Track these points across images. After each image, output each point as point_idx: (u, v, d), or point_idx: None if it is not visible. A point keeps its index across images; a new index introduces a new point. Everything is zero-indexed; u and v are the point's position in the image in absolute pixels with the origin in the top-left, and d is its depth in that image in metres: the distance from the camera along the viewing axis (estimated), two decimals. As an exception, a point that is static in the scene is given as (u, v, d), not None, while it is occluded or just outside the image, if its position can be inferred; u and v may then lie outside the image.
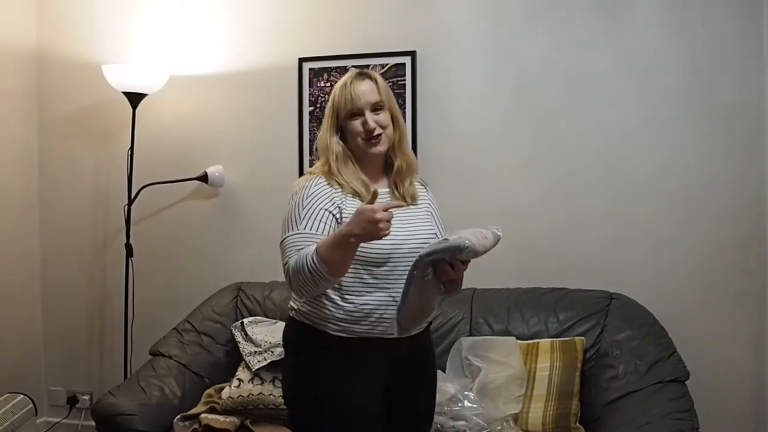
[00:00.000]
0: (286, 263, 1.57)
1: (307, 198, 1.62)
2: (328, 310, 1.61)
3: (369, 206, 1.44)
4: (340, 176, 1.65)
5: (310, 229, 1.58)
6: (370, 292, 1.60)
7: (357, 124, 1.65)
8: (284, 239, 1.61)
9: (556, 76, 2.68)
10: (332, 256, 1.47)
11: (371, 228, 1.43)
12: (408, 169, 1.73)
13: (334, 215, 1.61)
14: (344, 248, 1.47)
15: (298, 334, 1.69)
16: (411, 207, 1.72)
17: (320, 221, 1.59)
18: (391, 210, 1.47)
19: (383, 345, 1.63)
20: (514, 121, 2.72)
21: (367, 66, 2.83)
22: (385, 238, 1.46)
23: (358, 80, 1.67)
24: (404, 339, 1.64)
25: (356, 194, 1.64)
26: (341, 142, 1.67)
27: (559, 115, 2.68)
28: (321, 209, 1.60)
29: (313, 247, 1.51)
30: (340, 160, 1.66)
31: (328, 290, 1.59)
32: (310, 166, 2.94)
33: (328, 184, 1.64)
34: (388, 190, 1.72)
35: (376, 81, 1.68)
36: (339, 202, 1.62)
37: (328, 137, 1.67)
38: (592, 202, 2.67)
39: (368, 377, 1.64)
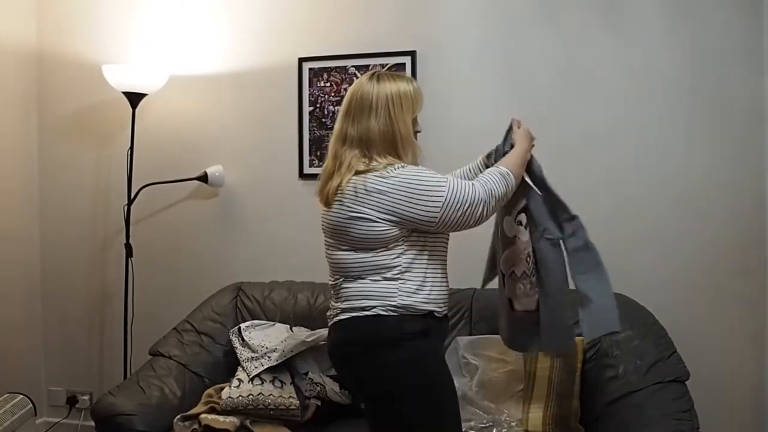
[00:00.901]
0: (473, 194, 1.70)
1: (423, 171, 1.72)
2: (438, 289, 1.78)
3: (528, 126, 1.89)
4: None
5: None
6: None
7: (416, 124, 1.84)
8: (450, 188, 1.70)
9: (556, 76, 2.68)
10: (518, 172, 1.83)
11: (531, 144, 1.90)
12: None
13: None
14: (525, 165, 1.87)
15: (395, 326, 1.74)
16: None
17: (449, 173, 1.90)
18: None
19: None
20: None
21: (367, 66, 2.84)
22: None
23: (418, 85, 1.85)
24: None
25: None
26: None
27: (559, 115, 2.68)
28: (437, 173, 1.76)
29: (502, 169, 1.78)
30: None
31: (435, 270, 1.78)
32: (310, 166, 2.95)
33: None
34: None
35: None
36: None
37: (409, 130, 1.79)
38: (592, 202, 2.65)
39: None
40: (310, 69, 2.94)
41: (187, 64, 3.08)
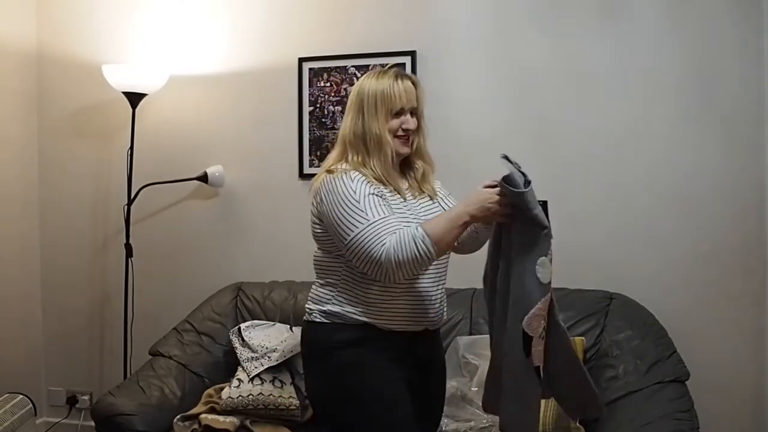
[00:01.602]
0: (374, 252, 1.57)
1: (353, 191, 1.64)
2: (389, 304, 1.69)
3: (490, 190, 1.58)
4: (375, 167, 1.70)
5: (378, 215, 1.61)
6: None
7: (397, 122, 1.71)
8: (359, 233, 1.59)
9: (556, 76, 2.68)
10: (444, 237, 1.58)
11: (488, 212, 1.58)
12: (432, 171, 1.85)
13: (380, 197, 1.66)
14: (458, 229, 1.59)
15: (325, 333, 1.73)
16: (432, 202, 1.83)
17: (379, 206, 1.63)
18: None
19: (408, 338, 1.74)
20: (513, 120, 2.72)
21: (367, 66, 2.84)
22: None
23: (407, 81, 1.74)
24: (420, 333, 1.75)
25: (380, 182, 1.70)
26: None
27: (558, 115, 2.68)
28: (371, 194, 1.64)
29: (416, 230, 1.56)
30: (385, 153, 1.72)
31: (387, 285, 1.66)
32: (310, 166, 2.95)
33: (355, 170, 1.70)
34: (407, 185, 1.80)
35: (416, 85, 1.76)
36: (374, 187, 1.67)
37: (382, 130, 1.70)
38: (593, 201, 2.66)
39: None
40: (310, 69, 2.94)
41: (187, 64, 3.08)
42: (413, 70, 2.78)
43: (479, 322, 2.53)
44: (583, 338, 2.38)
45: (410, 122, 1.72)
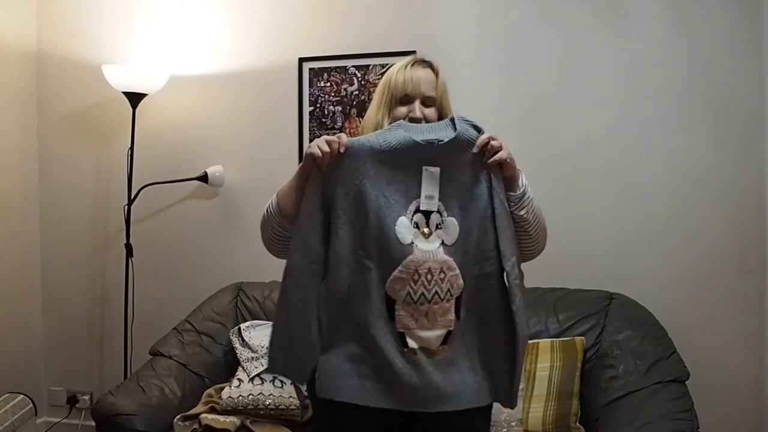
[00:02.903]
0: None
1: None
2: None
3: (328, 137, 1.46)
4: None
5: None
6: None
7: (404, 110, 1.59)
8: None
9: (557, 76, 2.68)
10: (285, 188, 1.53)
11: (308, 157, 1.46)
12: None
13: None
14: (295, 180, 1.52)
15: None
16: None
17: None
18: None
19: None
20: (513, 120, 2.72)
21: (368, 66, 2.84)
22: None
23: (420, 66, 1.62)
24: None
25: None
26: None
27: (558, 114, 2.68)
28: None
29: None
30: None
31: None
32: (310, 166, 2.95)
33: None
34: None
35: (437, 74, 1.63)
36: None
37: (381, 119, 1.59)
38: (593, 201, 2.67)
39: None
40: (310, 69, 2.94)
41: (187, 64, 3.08)
42: (413, 70, 2.78)
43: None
44: (583, 338, 2.38)
45: (416, 110, 1.57)
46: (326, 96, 2.92)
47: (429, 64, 1.65)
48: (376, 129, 1.58)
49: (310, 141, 2.94)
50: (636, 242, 2.62)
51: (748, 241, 2.53)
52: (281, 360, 1.53)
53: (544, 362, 2.32)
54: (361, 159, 1.47)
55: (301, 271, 1.49)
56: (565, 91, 2.68)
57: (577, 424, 2.25)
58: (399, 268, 1.45)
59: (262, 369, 2.46)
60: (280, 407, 2.38)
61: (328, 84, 2.92)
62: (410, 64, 1.62)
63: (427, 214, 1.47)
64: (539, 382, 2.30)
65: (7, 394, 2.52)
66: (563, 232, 2.67)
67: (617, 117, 2.63)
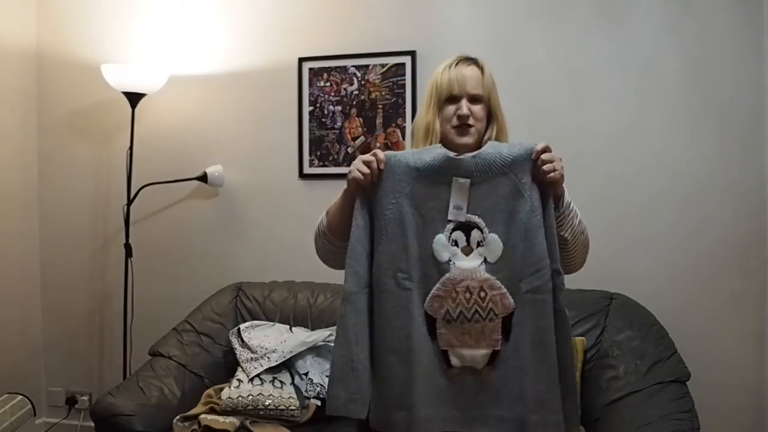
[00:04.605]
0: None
1: None
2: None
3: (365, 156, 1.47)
4: None
5: None
6: None
7: (452, 109, 1.56)
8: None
9: (558, 77, 2.68)
10: (333, 207, 1.55)
11: (349, 175, 1.46)
12: None
13: None
14: (341, 199, 1.52)
15: None
16: None
17: None
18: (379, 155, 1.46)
19: None
20: (513, 120, 2.68)
21: (367, 66, 2.84)
22: None
23: (465, 64, 1.60)
24: None
25: None
26: None
27: (558, 114, 2.68)
28: None
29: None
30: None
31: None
32: (310, 166, 2.95)
33: None
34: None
35: (482, 71, 1.60)
36: None
37: (432, 120, 1.57)
38: (593, 201, 2.65)
39: None
40: (310, 69, 2.94)
41: (187, 64, 3.08)
42: (413, 69, 2.78)
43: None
44: (583, 338, 2.37)
45: (464, 108, 1.54)
46: (326, 96, 2.92)
47: (474, 61, 1.62)
48: (427, 130, 1.57)
49: (310, 141, 2.95)
50: (636, 242, 2.62)
51: (748, 241, 2.53)
52: (343, 396, 1.45)
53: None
54: (398, 176, 1.46)
55: (357, 295, 1.47)
56: (566, 91, 2.68)
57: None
58: (437, 285, 1.44)
59: (261, 369, 2.46)
60: (280, 407, 2.37)
61: (328, 84, 2.92)
62: (455, 63, 1.60)
63: (467, 231, 1.45)
64: (539, 383, 2.29)
65: (6, 395, 2.52)
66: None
67: (618, 117, 2.63)
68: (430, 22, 2.81)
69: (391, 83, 2.82)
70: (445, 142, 1.56)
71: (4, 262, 3.16)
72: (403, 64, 2.79)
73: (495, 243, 1.45)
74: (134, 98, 2.92)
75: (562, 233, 1.51)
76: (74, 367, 3.30)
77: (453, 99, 1.57)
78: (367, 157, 1.46)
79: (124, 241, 3.05)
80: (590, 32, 2.65)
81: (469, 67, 1.60)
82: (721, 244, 2.54)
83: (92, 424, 2.35)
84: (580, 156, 2.66)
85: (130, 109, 2.96)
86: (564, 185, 1.51)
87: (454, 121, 1.56)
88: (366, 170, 1.44)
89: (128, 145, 3.01)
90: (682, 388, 2.13)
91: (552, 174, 1.45)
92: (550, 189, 1.47)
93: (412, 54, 2.79)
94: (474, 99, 1.57)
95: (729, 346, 2.53)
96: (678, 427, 1.92)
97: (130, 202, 3.02)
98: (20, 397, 2.52)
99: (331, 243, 1.57)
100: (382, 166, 1.45)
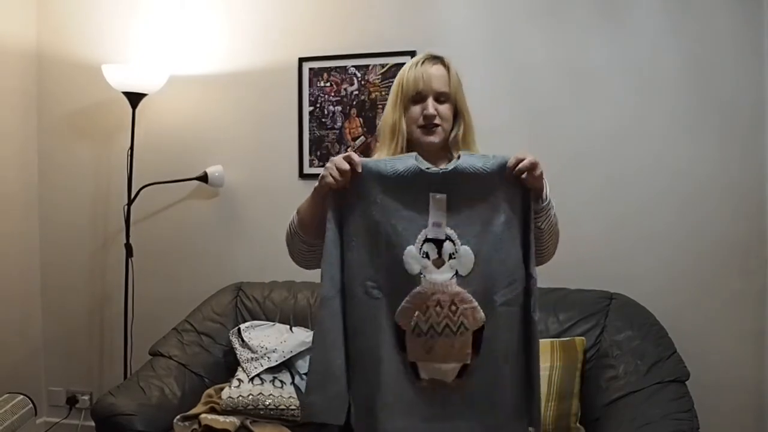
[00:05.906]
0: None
1: None
2: None
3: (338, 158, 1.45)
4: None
5: None
6: None
7: (418, 109, 1.56)
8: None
9: (558, 77, 2.68)
10: (305, 205, 1.53)
11: (322, 179, 1.45)
12: None
13: None
14: (313, 197, 1.50)
15: None
16: None
17: None
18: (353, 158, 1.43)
19: None
20: (513, 120, 2.72)
21: (367, 66, 2.84)
22: None
23: (430, 63, 1.58)
24: None
25: None
26: None
27: (558, 115, 2.68)
28: None
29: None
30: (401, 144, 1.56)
31: None
32: (310, 166, 2.95)
33: None
34: None
35: (448, 70, 1.59)
36: None
37: (398, 119, 1.56)
38: (593, 201, 2.66)
39: None
40: (310, 69, 2.94)
41: (187, 64, 3.08)
42: (413, 70, 2.78)
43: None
44: (583, 338, 2.38)
45: (429, 107, 1.53)
46: (326, 96, 2.92)
47: (440, 60, 1.61)
48: (393, 130, 1.56)
49: (310, 141, 2.95)
50: (636, 242, 2.62)
51: (748, 241, 2.53)
52: (319, 404, 1.44)
53: (544, 362, 2.32)
54: (370, 184, 1.44)
55: (333, 299, 1.45)
56: (566, 91, 2.67)
57: (578, 424, 2.25)
58: (407, 299, 1.41)
59: (261, 369, 2.46)
60: (280, 407, 2.37)
61: (328, 84, 2.92)
62: (421, 62, 1.59)
63: (438, 243, 1.41)
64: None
65: (7, 395, 2.52)
66: (564, 232, 2.67)
67: (618, 117, 2.63)
68: (430, 22, 2.81)
69: (391, 83, 2.80)
70: (411, 141, 1.56)
71: (4, 262, 3.16)
72: (403, 64, 2.78)
73: (467, 256, 1.41)
74: (134, 98, 2.92)
75: (539, 224, 1.49)
76: (75, 367, 3.30)
77: (419, 97, 1.56)
78: (342, 163, 1.43)
79: (125, 241, 3.05)
80: (590, 32, 2.65)
81: (434, 65, 1.58)
82: (721, 244, 2.54)
83: (93, 423, 2.35)
84: (580, 156, 2.67)
85: (130, 109, 2.96)
86: (545, 178, 1.48)
87: (421, 121, 1.55)
88: (339, 177, 1.42)
89: (128, 145, 3.01)
90: (682, 388, 2.13)
91: (532, 182, 1.43)
92: (530, 192, 1.46)
93: (412, 54, 2.79)
94: (440, 97, 1.56)
95: (729, 346, 2.53)
96: (678, 427, 1.93)
97: (130, 202, 3.02)
98: (21, 396, 2.52)
99: (305, 242, 1.55)
100: (359, 169, 1.42)
